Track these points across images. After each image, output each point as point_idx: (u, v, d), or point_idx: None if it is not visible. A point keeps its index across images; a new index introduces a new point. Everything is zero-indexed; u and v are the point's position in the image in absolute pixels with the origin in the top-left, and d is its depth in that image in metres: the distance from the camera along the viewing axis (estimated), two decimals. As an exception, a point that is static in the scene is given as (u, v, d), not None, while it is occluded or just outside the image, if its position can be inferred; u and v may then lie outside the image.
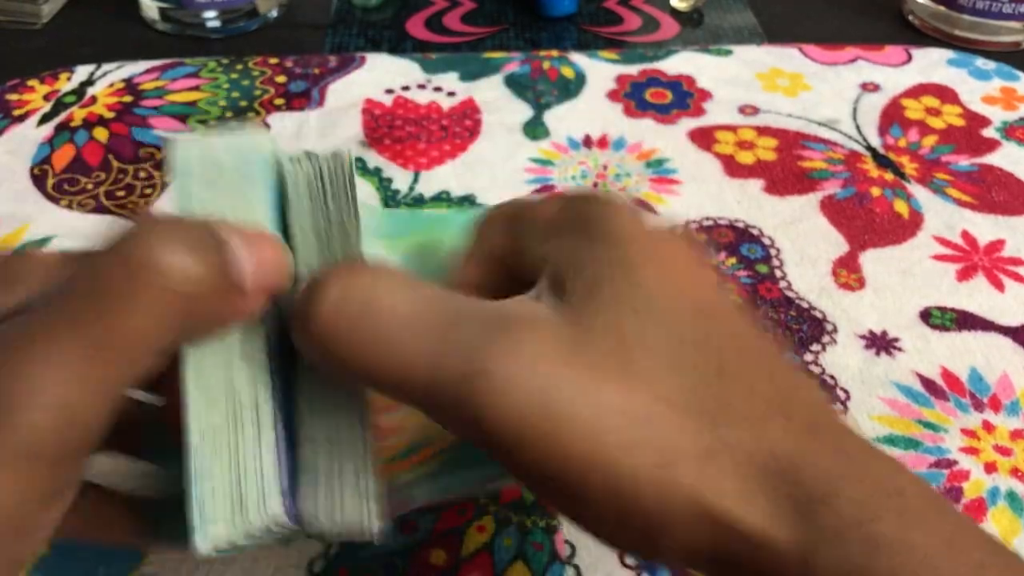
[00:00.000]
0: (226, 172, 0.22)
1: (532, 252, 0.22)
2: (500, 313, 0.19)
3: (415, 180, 0.48)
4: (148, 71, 0.57)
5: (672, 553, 0.19)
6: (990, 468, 0.35)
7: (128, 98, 0.54)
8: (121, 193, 0.47)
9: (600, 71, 0.57)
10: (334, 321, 0.19)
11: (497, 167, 0.49)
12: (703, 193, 0.48)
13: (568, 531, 0.32)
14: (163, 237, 0.19)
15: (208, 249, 0.19)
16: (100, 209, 0.46)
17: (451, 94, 0.55)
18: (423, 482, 0.24)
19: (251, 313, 0.21)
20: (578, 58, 0.58)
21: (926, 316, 0.41)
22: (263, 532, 0.21)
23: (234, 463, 0.21)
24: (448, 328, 0.19)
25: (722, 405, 0.19)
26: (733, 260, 0.44)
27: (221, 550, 0.21)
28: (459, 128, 0.52)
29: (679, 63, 0.58)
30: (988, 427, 0.36)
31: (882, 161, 0.50)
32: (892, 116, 0.54)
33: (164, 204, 0.47)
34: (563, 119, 0.53)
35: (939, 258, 0.44)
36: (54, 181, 0.48)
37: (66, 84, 0.55)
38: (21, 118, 0.53)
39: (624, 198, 0.24)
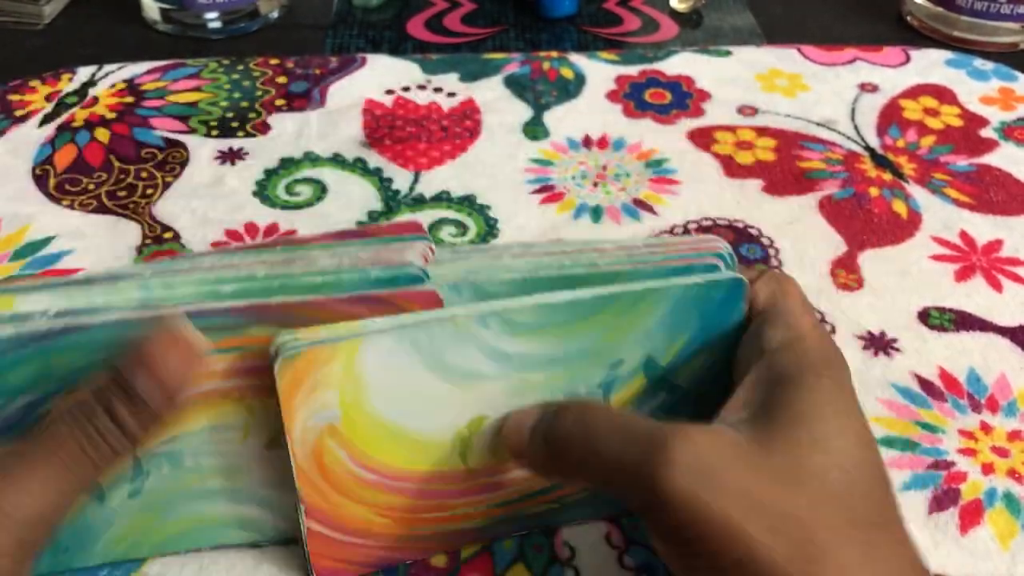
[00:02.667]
0: None
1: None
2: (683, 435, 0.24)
3: (415, 180, 0.48)
4: (149, 72, 0.57)
5: None
6: (987, 469, 0.35)
7: (130, 99, 0.54)
8: (123, 193, 0.48)
9: (600, 72, 0.57)
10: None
11: (497, 167, 0.49)
12: (702, 193, 0.48)
13: (568, 533, 0.33)
14: None
15: None
16: (102, 209, 0.47)
17: (451, 95, 0.55)
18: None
19: None
20: (578, 59, 0.59)
21: (924, 316, 0.41)
22: None
23: None
24: (642, 433, 0.25)
25: (884, 519, 0.24)
26: (732, 261, 0.44)
27: None
28: (459, 128, 0.52)
29: (678, 64, 0.58)
30: (986, 428, 0.36)
31: (880, 161, 0.50)
32: (890, 116, 0.54)
33: (165, 204, 0.47)
34: (563, 119, 0.53)
35: (937, 258, 0.44)
36: (56, 181, 0.48)
37: (68, 84, 0.55)
38: (23, 118, 0.53)
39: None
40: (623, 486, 0.25)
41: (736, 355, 0.30)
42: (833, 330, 0.40)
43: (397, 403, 0.28)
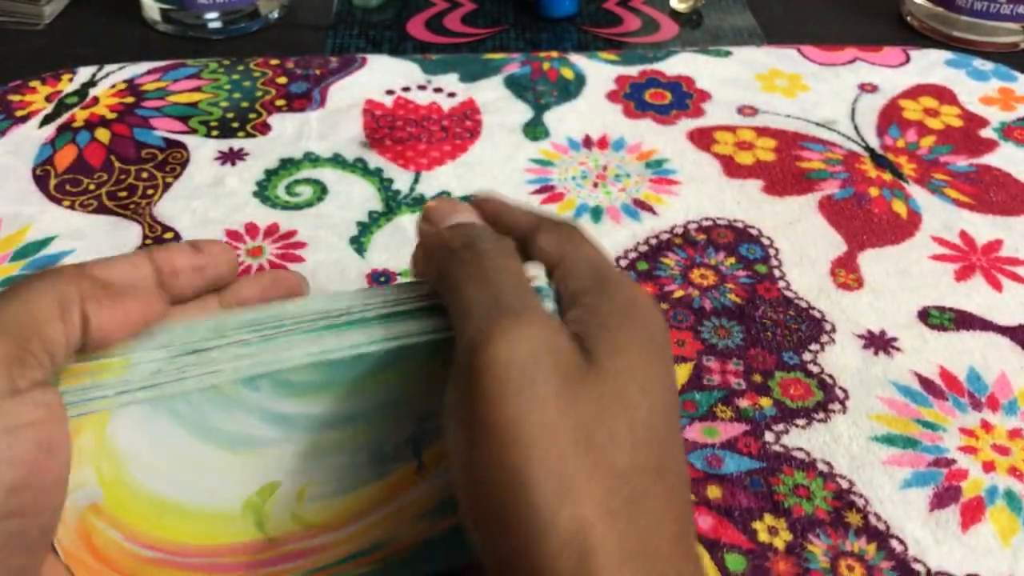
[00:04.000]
0: None
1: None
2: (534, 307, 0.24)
3: (416, 181, 0.48)
4: (150, 72, 0.57)
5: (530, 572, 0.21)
6: (988, 467, 0.35)
7: (130, 99, 0.54)
8: (123, 194, 0.48)
9: (600, 72, 0.57)
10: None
11: (497, 168, 0.49)
12: (702, 193, 0.48)
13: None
14: None
15: None
16: (102, 210, 0.47)
17: (451, 95, 0.55)
18: None
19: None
20: (578, 59, 0.59)
21: (924, 316, 0.41)
22: None
23: None
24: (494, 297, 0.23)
25: (670, 460, 0.23)
26: (732, 260, 0.44)
27: None
28: (459, 129, 0.52)
29: (678, 64, 0.58)
30: (986, 426, 0.36)
31: (880, 161, 0.50)
32: (890, 117, 0.54)
33: (165, 205, 0.47)
34: (563, 120, 0.53)
35: (937, 258, 0.44)
36: (56, 182, 0.48)
37: (68, 85, 0.55)
38: (23, 119, 0.53)
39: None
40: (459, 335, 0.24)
41: None
42: (833, 329, 0.40)
43: (165, 476, 0.25)
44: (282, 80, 0.56)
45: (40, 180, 0.48)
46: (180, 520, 0.26)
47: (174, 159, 0.50)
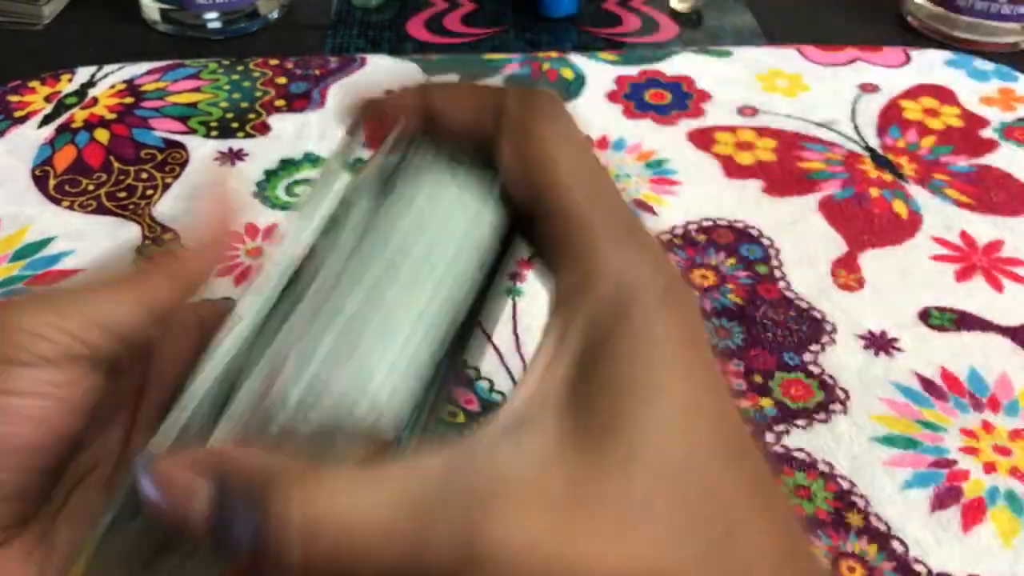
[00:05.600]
0: None
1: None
2: (488, 475, 0.17)
3: (416, 181, 0.48)
4: (149, 72, 0.57)
5: None
6: (989, 468, 0.35)
7: (129, 99, 0.54)
8: (122, 194, 0.47)
9: (600, 72, 0.57)
10: (310, 551, 0.17)
11: (497, 168, 0.49)
12: (702, 194, 0.48)
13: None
14: None
15: None
16: (101, 210, 0.46)
17: (451, 95, 0.55)
18: None
19: None
20: (578, 59, 0.59)
21: (925, 316, 0.41)
22: None
23: None
24: (429, 516, 0.17)
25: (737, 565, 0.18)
26: (733, 260, 0.44)
27: None
28: (459, 129, 0.52)
29: (678, 64, 0.58)
30: (987, 427, 0.36)
31: (881, 162, 0.50)
32: (891, 117, 0.54)
33: (165, 205, 0.47)
34: (563, 120, 0.53)
35: (938, 258, 0.44)
36: (55, 182, 0.48)
37: (67, 85, 0.55)
38: (22, 119, 0.53)
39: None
40: None
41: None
42: (834, 329, 0.40)
43: None
44: (281, 80, 0.56)
45: (39, 180, 0.48)
46: None
47: (173, 159, 0.50)
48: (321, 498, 0.17)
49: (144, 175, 0.49)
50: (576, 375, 0.18)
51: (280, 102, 0.54)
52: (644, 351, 0.18)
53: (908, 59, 0.59)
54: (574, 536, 0.17)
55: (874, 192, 0.48)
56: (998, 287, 0.43)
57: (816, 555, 0.21)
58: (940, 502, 0.34)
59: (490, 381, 0.38)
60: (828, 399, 0.37)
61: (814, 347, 0.40)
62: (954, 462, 0.35)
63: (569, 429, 0.18)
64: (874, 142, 0.52)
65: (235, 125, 0.52)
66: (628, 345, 0.18)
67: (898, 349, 0.40)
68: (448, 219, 0.22)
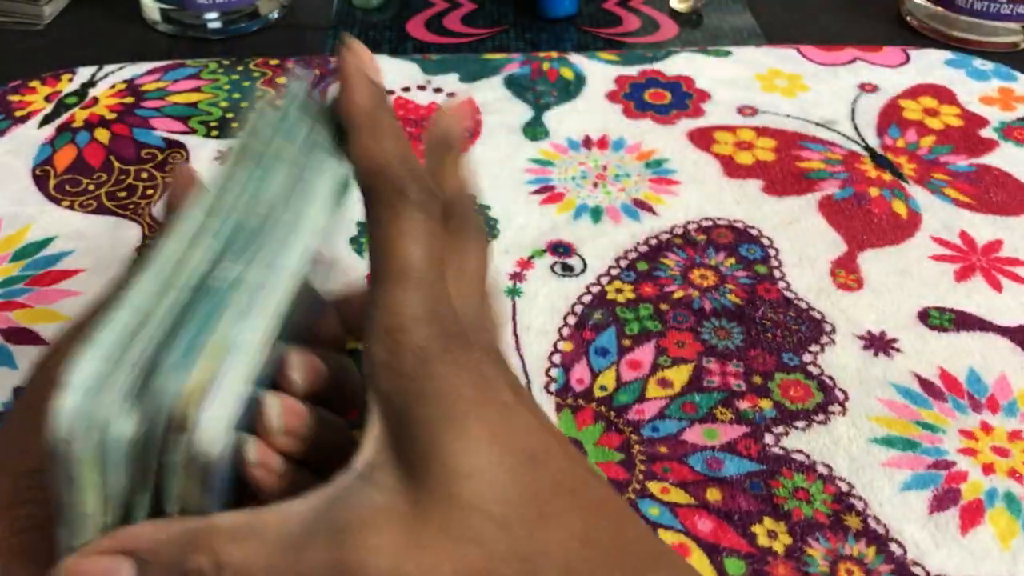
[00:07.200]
0: None
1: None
2: (350, 512, 0.21)
3: (415, 181, 0.48)
4: (149, 72, 0.57)
5: None
6: (988, 469, 0.35)
7: (129, 99, 0.54)
8: (123, 194, 0.48)
9: (599, 72, 0.57)
10: None
11: (497, 168, 0.49)
12: (702, 193, 0.48)
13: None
14: None
15: None
16: (102, 210, 0.47)
17: (451, 95, 0.55)
18: None
19: None
20: (578, 59, 0.59)
21: (924, 316, 0.41)
22: None
23: None
24: (300, 552, 0.21)
25: (540, 553, 0.21)
26: (732, 260, 0.44)
27: None
28: (459, 129, 0.52)
29: (678, 64, 0.58)
30: (986, 428, 0.36)
31: (880, 161, 0.50)
32: (890, 116, 0.54)
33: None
34: (563, 120, 0.53)
35: (937, 258, 0.44)
36: (56, 182, 0.48)
37: (68, 85, 0.55)
38: (23, 119, 0.53)
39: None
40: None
41: None
42: (833, 330, 0.40)
43: None
44: (282, 80, 0.56)
45: (39, 180, 0.48)
46: None
47: (174, 159, 0.50)
48: (223, 548, 0.21)
49: (144, 175, 0.49)
50: (397, 424, 0.22)
51: (280, 102, 0.54)
52: (441, 394, 0.22)
53: (908, 59, 0.59)
54: (420, 551, 0.21)
55: (874, 192, 0.48)
56: (997, 287, 0.43)
57: (640, 525, 0.24)
58: (939, 504, 0.34)
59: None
60: (827, 400, 0.37)
61: (813, 348, 0.40)
62: (953, 463, 0.35)
63: (405, 466, 0.22)
64: (874, 142, 0.52)
65: (235, 125, 0.52)
66: (430, 390, 0.22)
67: (897, 350, 0.40)
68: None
